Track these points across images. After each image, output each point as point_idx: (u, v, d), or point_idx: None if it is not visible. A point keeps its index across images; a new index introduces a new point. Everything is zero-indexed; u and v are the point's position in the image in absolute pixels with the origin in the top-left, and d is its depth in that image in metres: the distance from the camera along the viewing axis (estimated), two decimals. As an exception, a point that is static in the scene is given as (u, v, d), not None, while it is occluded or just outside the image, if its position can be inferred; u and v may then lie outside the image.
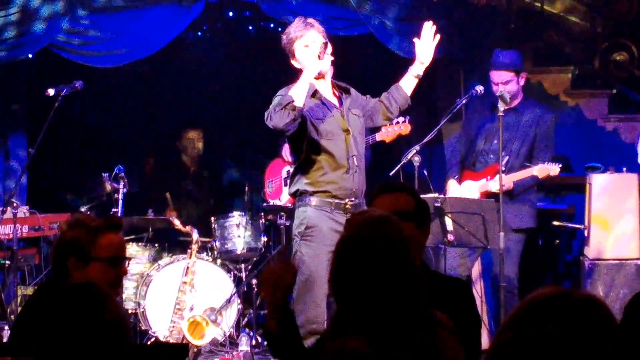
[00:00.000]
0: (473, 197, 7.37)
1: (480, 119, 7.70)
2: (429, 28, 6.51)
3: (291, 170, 6.82)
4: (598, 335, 2.20)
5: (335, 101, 6.41)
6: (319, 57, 6.14)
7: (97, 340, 2.79)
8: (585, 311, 2.23)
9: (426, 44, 6.49)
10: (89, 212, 7.89)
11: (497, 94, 6.96)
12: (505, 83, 7.45)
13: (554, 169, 7.27)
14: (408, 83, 6.63)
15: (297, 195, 6.39)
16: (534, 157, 7.50)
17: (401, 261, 3.03)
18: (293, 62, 6.36)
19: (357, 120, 6.43)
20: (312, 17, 6.63)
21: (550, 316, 2.22)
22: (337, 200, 6.24)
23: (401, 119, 7.05)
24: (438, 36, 6.50)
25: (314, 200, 6.25)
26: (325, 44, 6.18)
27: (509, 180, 7.29)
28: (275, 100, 6.12)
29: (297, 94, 6.04)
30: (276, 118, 6.04)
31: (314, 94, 6.31)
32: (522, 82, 7.61)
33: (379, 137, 7.42)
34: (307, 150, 6.28)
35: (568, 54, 9.06)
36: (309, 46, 6.25)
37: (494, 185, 7.22)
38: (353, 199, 6.28)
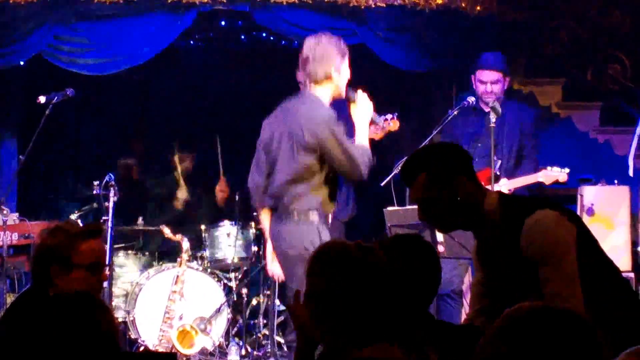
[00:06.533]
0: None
1: (464, 123, 7.70)
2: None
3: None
4: (577, 349, 2.19)
5: None
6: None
7: (91, 351, 2.79)
8: (564, 325, 2.22)
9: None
10: (79, 220, 7.86)
11: (490, 105, 6.94)
12: (494, 83, 7.53)
13: (562, 175, 7.28)
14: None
15: (302, 212, 6.14)
16: (524, 157, 7.56)
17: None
18: (334, 72, 6.15)
19: None
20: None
21: (529, 331, 2.22)
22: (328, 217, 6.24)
23: (389, 115, 6.89)
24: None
25: (322, 218, 6.12)
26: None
27: (512, 186, 7.30)
28: (358, 153, 6.05)
29: (366, 142, 6.11)
30: (366, 173, 6.07)
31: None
32: (505, 86, 7.66)
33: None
34: (330, 168, 6.13)
35: (560, 65, 9.06)
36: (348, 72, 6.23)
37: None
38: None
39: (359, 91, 6.25)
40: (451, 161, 3.95)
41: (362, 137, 6.17)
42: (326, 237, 6.04)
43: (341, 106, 6.36)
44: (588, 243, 3.93)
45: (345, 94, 6.23)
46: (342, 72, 6.17)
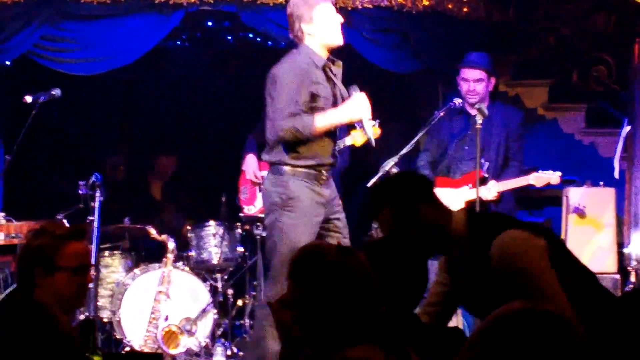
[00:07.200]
0: (456, 206, 7.36)
1: (450, 125, 7.72)
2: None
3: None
4: (563, 350, 2.20)
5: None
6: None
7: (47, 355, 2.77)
8: (549, 326, 2.23)
9: None
10: (65, 220, 7.84)
11: (476, 106, 6.97)
12: (477, 81, 7.55)
13: (554, 178, 7.29)
14: None
15: (274, 164, 6.22)
16: (510, 159, 7.60)
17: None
18: (305, 25, 6.18)
19: (343, 93, 6.37)
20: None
21: (515, 333, 2.22)
22: (315, 172, 6.18)
23: (372, 122, 6.89)
24: None
25: (295, 171, 6.13)
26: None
27: (502, 188, 7.31)
28: (293, 124, 6.00)
29: (323, 126, 6.04)
30: (288, 136, 6.01)
31: (324, 67, 6.26)
32: (490, 87, 7.68)
33: (348, 141, 7.39)
34: None
35: (546, 67, 9.08)
36: (332, 16, 6.20)
37: (487, 194, 7.23)
38: (330, 169, 6.28)
39: (357, 90, 6.25)
40: (412, 190, 3.99)
41: (327, 118, 6.12)
42: (295, 189, 6.11)
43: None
44: (560, 255, 3.93)
45: (337, 40, 6.29)
46: (316, 21, 6.20)
